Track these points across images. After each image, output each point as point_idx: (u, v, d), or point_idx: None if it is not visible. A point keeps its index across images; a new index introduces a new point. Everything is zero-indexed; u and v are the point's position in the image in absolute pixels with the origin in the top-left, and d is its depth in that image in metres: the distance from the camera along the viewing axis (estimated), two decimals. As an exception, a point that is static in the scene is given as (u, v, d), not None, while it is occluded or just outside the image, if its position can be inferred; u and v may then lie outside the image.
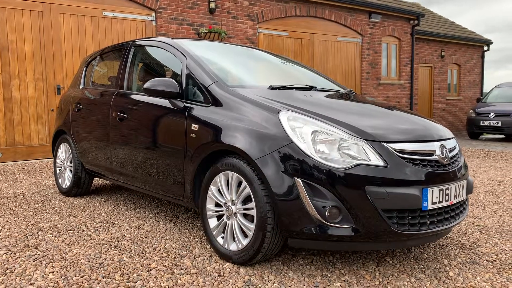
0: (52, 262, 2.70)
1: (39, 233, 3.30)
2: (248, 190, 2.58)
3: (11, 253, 2.85)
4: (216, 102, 2.90)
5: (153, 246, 3.02)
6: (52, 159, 7.25)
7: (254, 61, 3.79)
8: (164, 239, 3.17)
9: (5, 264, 2.66)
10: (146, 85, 3.13)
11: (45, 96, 7.35)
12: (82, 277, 2.48)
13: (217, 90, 2.94)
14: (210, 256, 2.85)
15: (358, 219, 2.35)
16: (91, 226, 3.51)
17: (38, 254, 2.83)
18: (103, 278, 2.48)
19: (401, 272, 2.65)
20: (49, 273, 2.54)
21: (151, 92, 3.13)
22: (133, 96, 3.61)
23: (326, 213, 2.34)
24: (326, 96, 3.14)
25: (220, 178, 2.77)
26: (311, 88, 3.28)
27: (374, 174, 2.35)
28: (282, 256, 2.85)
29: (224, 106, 2.85)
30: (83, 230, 3.39)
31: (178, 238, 3.20)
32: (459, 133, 15.64)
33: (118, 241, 3.12)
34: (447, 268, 2.71)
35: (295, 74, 3.84)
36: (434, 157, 2.57)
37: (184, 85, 3.18)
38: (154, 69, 3.80)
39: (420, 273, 2.64)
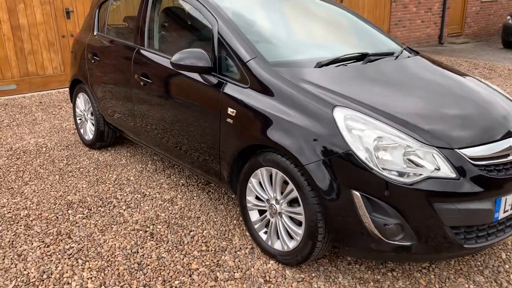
0: (88, 261, 2.58)
1: (69, 211, 3.16)
2: (295, 193, 2.33)
3: (44, 246, 2.73)
4: (256, 84, 2.53)
5: (190, 233, 2.87)
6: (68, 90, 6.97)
7: (291, 15, 3.27)
8: (200, 221, 3.01)
9: (40, 265, 2.55)
10: (173, 59, 2.73)
11: (54, 21, 6.83)
12: (122, 287, 2.37)
13: (257, 70, 2.54)
14: (252, 248, 2.70)
15: (422, 236, 2.11)
16: (121, 198, 3.35)
17: (73, 248, 2.71)
18: (144, 287, 2.37)
19: (458, 273, 2.48)
20: (87, 279, 2.42)
21: (179, 67, 2.74)
22: (156, 60, 3.21)
23: (387, 230, 2.11)
24: (384, 71, 2.71)
25: (262, 173, 2.51)
26: (363, 56, 2.83)
27: (445, 188, 2.06)
28: (328, 251, 2.69)
29: (266, 91, 2.48)
30: (114, 206, 3.24)
31: (215, 219, 3.04)
32: (490, 39, 14.69)
33: (153, 224, 2.97)
34: (506, 266, 2.53)
35: (339, 28, 3.33)
36: (510, 158, 2.24)
37: (216, 55, 2.77)
38: (178, 27, 3.32)
39: (479, 275, 2.47)
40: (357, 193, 2.10)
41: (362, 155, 2.09)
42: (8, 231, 2.90)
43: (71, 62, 4.50)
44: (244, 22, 2.88)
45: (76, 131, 4.97)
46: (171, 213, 3.13)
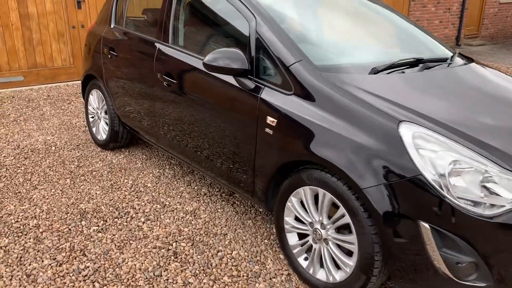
0: (106, 285, 2.28)
1: (83, 223, 2.87)
2: (347, 219, 2.03)
3: (57, 265, 2.44)
4: (302, 91, 2.22)
5: (218, 253, 2.58)
6: (81, 86, 6.66)
7: (334, 13, 2.95)
8: (228, 239, 2.72)
9: (52, 288, 2.27)
10: (206, 59, 2.43)
11: (65, 11, 6.52)
12: (146, 320, 2.08)
13: (303, 75, 2.24)
14: (289, 275, 2.41)
15: (499, 277, 1.81)
16: (139, 209, 3.06)
17: (88, 268, 2.42)
18: (171, 320, 2.08)
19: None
20: (106, 308, 2.14)
21: (212, 69, 2.44)
22: (183, 58, 2.90)
23: (459, 269, 1.81)
24: (444, 80, 2.41)
25: (306, 192, 2.21)
26: (417, 62, 2.52)
27: (530, 224, 1.75)
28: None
29: (314, 99, 2.17)
30: (132, 217, 2.94)
31: (244, 237, 2.75)
32: (506, 42, 14.32)
33: (176, 241, 2.68)
34: None
35: (385, 29, 3.01)
36: None
37: (253, 55, 2.47)
38: (206, 23, 3.01)
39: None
40: (426, 225, 1.80)
41: (433, 180, 1.79)
42: (16, 244, 2.62)
43: (85, 56, 4.20)
44: (286, 20, 2.57)
45: (87, 129, 4.68)
46: (195, 228, 2.83)
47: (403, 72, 2.36)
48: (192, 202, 3.18)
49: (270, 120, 2.31)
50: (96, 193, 3.28)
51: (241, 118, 2.48)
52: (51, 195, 3.24)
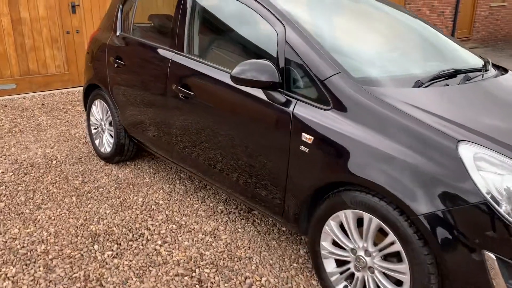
0: (129, 321, 2.09)
1: (95, 247, 2.66)
2: (397, 247, 1.87)
3: (72, 297, 2.23)
4: (342, 106, 2.06)
5: (246, 280, 2.40)
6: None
7: (366, 22, 2.79)
8: (254, 263, 2.53)
9: (70, 325, 2.06)
10: (234, 72, 2.26)
11: (59, 16, 6.27)
12: None
13: (343, 88, 2.07)
14: (325, 304, 2.23)
15: None
16: (154, 230, 2.86)
17: (107, 300, 2.21)
18: None
19: None
20: None
21: (239, 82, 2.26)
22: (201, 69, 2.72)
23: (528, 303, 1.66)
24: (491, 91, 2.27)
25: (348, 216, 2.04)
26: (456, 72, 2.38)
27: None
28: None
29: (356, 115, 2.01)
30: (148, 240, 2.74)
31: (271, 260, 2.57)
32: (497, 45, 14.41)
33: (199, 267, 2.49)
34: None
35: (417, 38, 2.85)
36: None
37: (282, 67, 2.30)
38: (227, 31, 2.81)
39: None
40: (491, 255, 1.65)
41: (500, 206, 1.64)
42: (24, 274, 2.40)
43: (86, 65, 3.98)
44: (317, 29, 2.40)
45: (87, 140, 4.45)
46: (217, 252, 2.64)
47: (447, 85, 2.21)
48: (210, 221, 2.98)
49: (305, 137, 2.13)
50: (105, 213, 3.07)
51: (270, 134, 2.31)
52: (57, 215, 3.02)
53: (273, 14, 2.40)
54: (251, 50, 2.55)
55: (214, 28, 2.81)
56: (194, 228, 2.90)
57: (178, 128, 2.94)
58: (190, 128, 2.83)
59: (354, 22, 2.71)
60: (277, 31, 2.36)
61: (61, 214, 3.03)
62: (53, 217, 2.99)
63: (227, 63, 2.63)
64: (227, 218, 3.03)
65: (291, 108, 2.21)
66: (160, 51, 3.06)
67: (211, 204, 3.21)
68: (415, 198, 1.76)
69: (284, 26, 2.34)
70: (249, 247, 2.70)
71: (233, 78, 2.26)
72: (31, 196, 3.29)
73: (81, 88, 6.59)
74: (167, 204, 3.20)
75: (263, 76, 2.21)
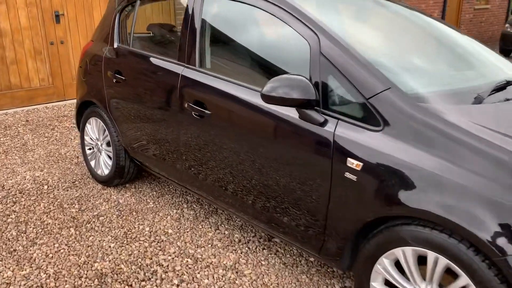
0: None
1: (104, 290, 2.33)
2: (473, 291, 1.60)
3: None
4: (396, 127, 1.79)
5: (282, 325, 2.10)
6: (57, 104, 6.03)
7: (404, 31, 2.54)
8: (286, 303, 2.24)
9: None
10: (265, 90, 1.97)
11: (42, 26, 5.89)
12: None
13: (395, 106, 1.80)
14: None
15: None
16: (167, 266, 2.54)
17: None
18: None
19: None
20: None
21: (270, 100, 1.98)
22: (219, 86, 2.42)
23: None
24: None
25: (406, 255, 1.77)
26: (508, 84, 2.14)
27: None
28: None
29: (414, 138, 1.74)
30: (162, 279, 2.42)
31: (305, 299, 2.28)
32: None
33: (225, 311, 2.19)
34: None
35: (458, 48, 2.61)
36: None
37: (316, 81, 2.03)
38: (246, 42, 2.52)
39: None
40: None
41: None
42: (24, 330, 2.05)
43: (79, 80, 3.64)
44: (355, 38, 2.13)
45: (80, 161, 4.09)
46: (242, 290, 2.35)
47: (508, 99, 1.96)
48: (228, 252, 2.68)
49: (352, 163, 1.86)
50: (110, 246, 2.74)
51: (306, 159, 2.02)
52: (56, 252, 2.68)
53: (303, 23, 2.13)
54: (277, 64, 2.27)
55: (231, 39, 2.52)
56: (212, 262, 2.59)
57: (190, 149, 2.63)
58: (205, 150, 2.53)
59: (393, 30, 2.46)
60: (308, 42, 2.08)
61: (59, 251, 2.69)
62: (50, 255, 2.65)
63: (248, 78, 2.35)
64: (246, 248, 2.73)
65: (331, 129, 1.94)
66: (167, 64, 2.76)
67: (226, 232, 2.91)
68: (498, 235, 1.50)
69: (317, 36, 2.06)
70: (277, 283, 2.40)
71: (264, 96, 1.98)
72: (23, 229, 2.93)
73: (68, 102, 6.23)
74: (178, 234, 2.88)
75: (296, 93, 1.93)
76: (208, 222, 3.03)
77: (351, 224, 1.91)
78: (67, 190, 3.51)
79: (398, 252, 1.79)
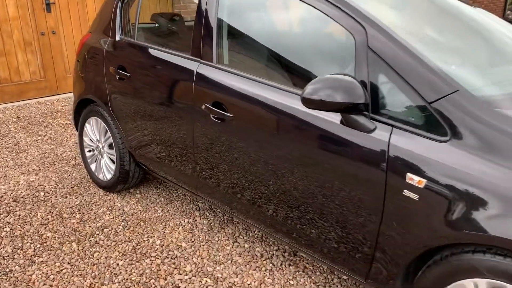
0: None
1: (115, 320, 2.04)
2: None
3: None
4: (466, 136, 1.51)
5: None
6: (50, 98, 5.67)
7: (455, 19, 2.24)
8: (325, 333, 1.98)
9: None
10: (306, 92, 1.68)
11: (32, 16, 5.51)
12: None
13: (466, 112, 1.52)
14: None
15: None
16: (184, 287, 2.26)
17: None
18: None
19: None
20: None
21: (313, 104, 1.68)
22: (243, 86, 2.12)
23: None
24: None
25: (479, 287, 1.50)
26: None
27: None
28: None
29: (488, 149, 1.46)
30: (180, 304, 2.14)
31: (345, 327, 2.01)
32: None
33: None
34: None
35: (493, 38, 2.33)
36: None
37: (363, 81, 1.74)
38: (272, 34, 2.21)
39: None
40: None
41: None
42: None
43: (76, 76, 3.31)
44: (408, 31, 1.84)
45: (77, 162, 3.78)
46: (273, 317, 2.07)
47: None
48: (251, 270, 2.40)
49: (412, 179, 1.58)
50: (118, 264, 2.44)
51: (352, 172, 1.74)
52: (57, 272, 2.38)
53: (346, 13, 1.83)
54: (312, 62, 1.97)
55: (256, 31, 2.21)
56: (235, 282, 2.31)
57: (209, 157, 2.34)
58: (226, 157, 2.23)
59: (448, 24, 2.16)
60: (353, 35, 1.79)
61: (61, 271, 2.39)
62: (52, 276, 2.35)
63: (278, 77, 2.05)
64: (271, 264, 2.46)
65: (385, 138, 1.65)
66: (179, 60, 2.44)
67: (245, 245, 2.63)
68: None
69: (364, 29, 1.77)
70: (311, 308, 2.13)
71: (304, 100, 1.68)
72: (20, 244, 2.63)
73: (61, 96, 5.87)
74: (193, 248, 2.60)
75: (340, 95, 1.64)
76: (224, 233, 2.75)
77: (409, 249, 1.63)
78: (66, 197, 3.20)
79: (468, 283, 1.52)
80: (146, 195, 3.24)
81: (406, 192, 1.60)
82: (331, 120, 1.80)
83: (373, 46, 1.73)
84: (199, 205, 3.10)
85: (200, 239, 2.69)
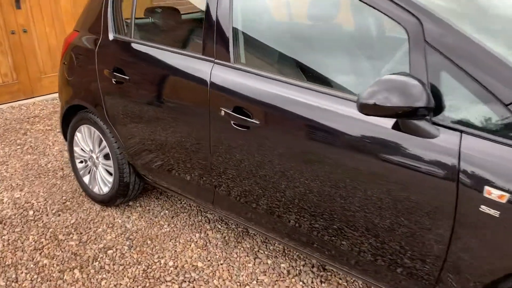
0: None
1: None
2: None
3: None
4: (555, 144, 1.31)
5: None
6: (24, 102, 5.25)
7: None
8: None
9: None
10: (363, 97, 1.44)
11: (0, 13, 5.06)
12: None
13: (556, 116, 1.32)
14: None
15: None
16: (211, 317, 2.01)
17: None
18: None
19: None
20: None
21: (369, 110, 1.45)
22: (271, 89, 1.87)
23: None
24: None
25: None
26: None
27: None
28: None
29: None
30: (210, 339, 1.90)
31: None
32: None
33: None
34: None
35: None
36: None
37: (423, 81, 1.51)
38: (304, 29, 1.95)
39: None
40: None
41: None
42: None
43: (63, 79, 2.97)
44: (467, 22, 1.62)
45: (67, 174, 3.44)
46: None
47: None
48: (281, 291, 2.18)
49: (492, 193, 1.37)
50: (130, 294, 2.17)
51: (413, 185, 1.52)
52: (62, 308, 2.09)
53: (395, 2, 1.59)
54: (357, 59, 1.73)
55: (284, 24, 1.95)
56: (266, 307, 2.08)
57: (228, 166, 2.08)
58: (251, 168, 1.98)
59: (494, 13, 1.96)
60: (405, 28, 1.56)
61: (67, 306, 2.11)
62: (56, 313, 2.06)
63: (312, 78, 1.80)
64: (301, 282, 2.23)
65: (454, 146, 1.43)
66: (188, 60, 2.16)
67: (268, 261, 2.40)
68: None
69: (419, 20, 1.54)
70: (356, 332, 1.92)
71: (363, 106, 1.45)
72: (13, 276, 2.31)
73: (37, 100, 5.46)
74: (211, 268, 2.35)
75: (397, 97, 1.41)
76: (242, 248, 2.51)
77: (485, 272, 1.43)
78: (59, 215, 2.88)
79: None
80: (147, 208, 2.96)
81: (484, 208, 1.39)
82: (384, 126, 1.57)
83: (430, 40, 1.51)
84: (208, 216, 2.85)
85: (217, 256, 2.44)
